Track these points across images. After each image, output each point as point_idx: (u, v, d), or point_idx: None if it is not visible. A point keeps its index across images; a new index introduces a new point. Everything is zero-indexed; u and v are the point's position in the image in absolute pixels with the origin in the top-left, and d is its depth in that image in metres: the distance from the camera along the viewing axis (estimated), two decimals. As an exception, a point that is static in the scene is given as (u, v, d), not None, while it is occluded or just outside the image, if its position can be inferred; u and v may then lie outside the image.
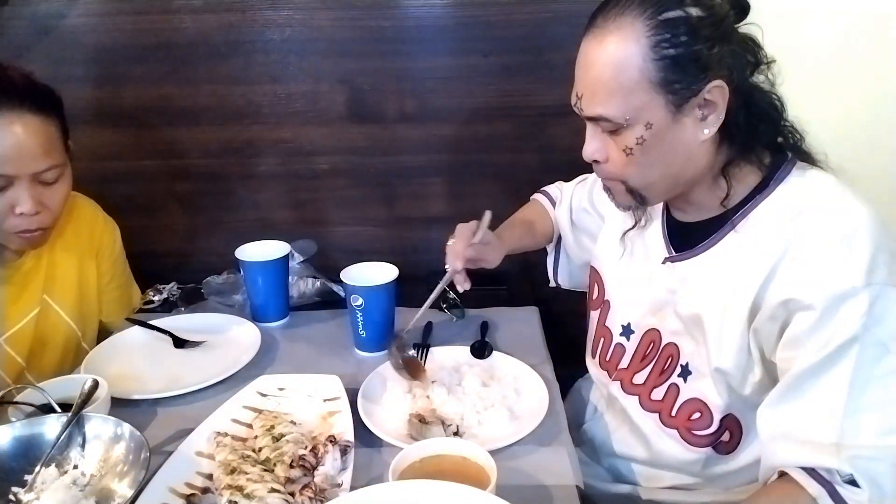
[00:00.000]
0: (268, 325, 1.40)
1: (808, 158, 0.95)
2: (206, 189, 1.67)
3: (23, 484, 0.91)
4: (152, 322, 1.36)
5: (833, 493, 0.78)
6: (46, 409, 1.01)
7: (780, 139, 0.94)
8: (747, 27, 0.91)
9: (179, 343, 1.30)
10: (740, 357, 0.93)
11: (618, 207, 1.02)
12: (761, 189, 0.93)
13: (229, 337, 1.34)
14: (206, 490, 0.92)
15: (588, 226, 1.29)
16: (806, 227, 0.86)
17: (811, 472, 0.80)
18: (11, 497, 0.90)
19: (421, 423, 1.01)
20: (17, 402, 1.02)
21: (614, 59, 0.87)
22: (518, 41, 1.52)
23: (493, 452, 0.86)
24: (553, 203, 1.37)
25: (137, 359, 1.27)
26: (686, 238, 1.01)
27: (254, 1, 1.51)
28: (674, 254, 1.03)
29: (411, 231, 1.68)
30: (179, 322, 1.37)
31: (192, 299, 1.53)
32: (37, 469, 0.92)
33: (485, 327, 1.34)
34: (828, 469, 0.80)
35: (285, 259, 1.40)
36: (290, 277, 1.46)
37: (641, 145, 0.90)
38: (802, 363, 0.83)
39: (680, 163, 0.92)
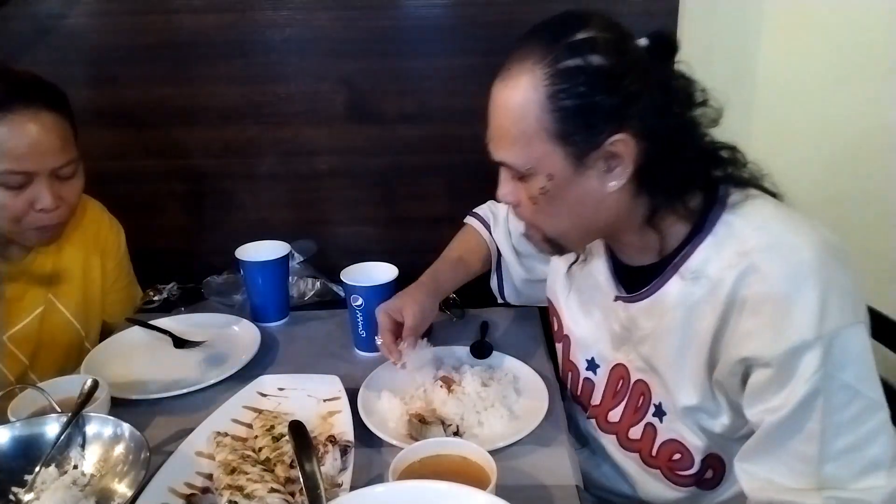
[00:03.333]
0: (268, 325, 1.40)
1: (749, 183, 0.89)
2: (206, 189, 1.67)
3: (23, 484, 0.92)
4: (152, 322, 1.36)
5: None
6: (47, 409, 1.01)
7: (710, 177, 0.89)
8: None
9: (179, 343, 1.30)
10: (705, 402, 0.91)
11: (539, 252, 1.00)
12: (695, 234, 0.88)
13: (229, 337, 1.34)
14: (206, 490, 0.92)
15: (532, 250, 1.16)
16: (751, 279, 0.81)
17: None
18: (11, 497, 0.91)
19: (421, 423, 1.01)
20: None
21: (514, 107, 0.83)
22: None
23: (493, 452, 0.86)
24: (486, 226, 1.32)
25: (137, 359, 1.27)
26: (633, 280, 0.98)
27: (254, 1, 1.51)
28: (624, 293, 1.00)
29: (411, 231, 1.68)
30: (179, 322, 1.37)
31: (192, 299, 1.53)
32: (37, 469, 0.92)
33: (485, 327, 1.34)
34: None
35: (285, 259, 1.40)
36: (290, 277, 1.46)
37: (545, 195, 0.86)
38: (771, 420, 0.80)
39: (589, 213, 0.88)
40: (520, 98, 0.83)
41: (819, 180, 1.56)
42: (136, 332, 1.35)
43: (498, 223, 1.31)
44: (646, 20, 1.48)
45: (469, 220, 1.36)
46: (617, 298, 1.01)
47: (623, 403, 1.04)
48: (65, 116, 1.15)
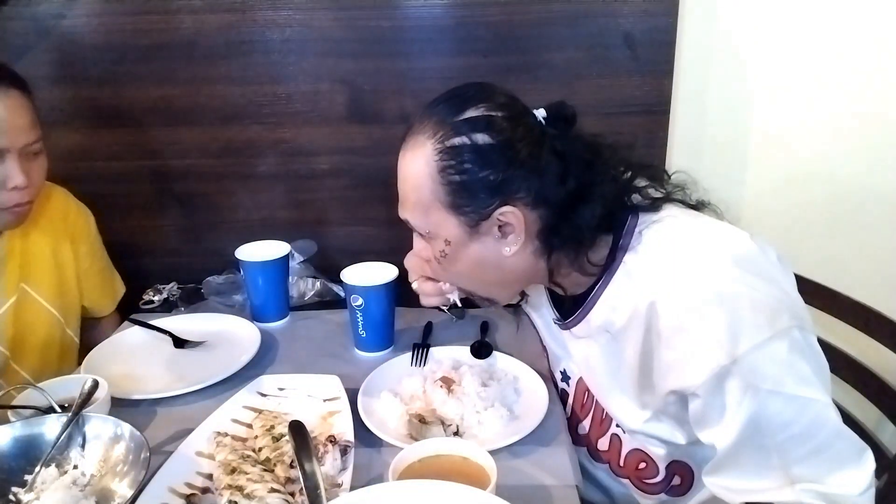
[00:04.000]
0: (268, 325, 1.40)
1: (666, 200, 0.92)
2: (206, 189, 1.67)
3: (23, 484, 0.91)
4: (152, 322, 1.36)
5: None
6: (47, 410, 1.01)
7: (625, 206, 0.91)
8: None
9: (179, 343, 1.30)
10: (651, 424, 0.91)
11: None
12: (598, 282, 0.91)
13: (229, 337, 1.34)
14: (206, 490, 0.92)
15: None
16: (658, 315, 0.82)
17: None
18: (11, 497, 0.90)
19: (421, 423, 1.01)
20: (14, 407, 1.02)
21: (411, 177, 0.89)
22: (518, 41, 1.51)
23: (493, 452, 0.86)
24: None
25: (137, 359, 1.27)
26: (566, 305, 1.00)
27: (254, 1, 1.51)
28: (558, 317, 1.03)
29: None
30: (179, 322, 1.37)
31: (192, 299, 1.54)
32: (37, 469, 0.92)
33: (485, 327, 1.34)
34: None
35: (285, 259, 1.40)
36: (290, 277, 1.46)
37: (445, 258, 0.92)
38: (724, 444, 0.80)
39: (492, 274, 0.93)
40: (416, 169, 0.88)
41: (819, 180, 1.56)
42: (135, 332, 1.35)
43: None
44: (646, 20, 1.48)
45: None
46: (555, 321, 1.05)
47: (589, 416, 1.06)
48: (29, 95, 1.19)
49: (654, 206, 0.91)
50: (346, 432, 1.00)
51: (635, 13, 1.48)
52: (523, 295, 1.12)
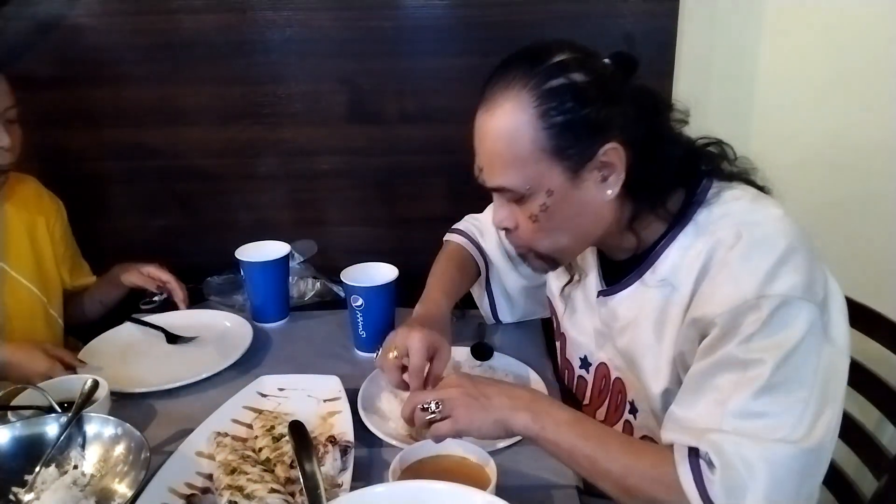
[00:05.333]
0: (268, 325, 1.40)
1: (733, 176, 0.93)
2: (206, 189, 1.67)
3: (23, 484, 0.91)
4: (145, 319, 1.38)
5: (694, 466, 0.78)
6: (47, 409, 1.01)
7: (691, 176, 0.93)
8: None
9: (172, 339, 1.33)
10: (672, 385, 0.92)
11: (534, 272, 1.04)
12: (668, 231, 0.92)
13: (221, 331, 1.37)
14: (206, 490, 0.92)
15: None
16: (714, 253, 0.86)
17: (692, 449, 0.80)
18: (11, 497, 0.90)
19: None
20: (14, 407, 1.03)
21: (505, 131, 0.87)
22: (518, 41, 1.50)
23: (493, 452, 0.86)
24: (472, 240, 1.29)
25: (132, 355, 1.30)
26: (616, 274, 1.01)
27: (254, 1, 1.51)
28: (605, 288, 1.03)
29: (411, 231, 1.68)
30: (171, 319, 1.40)
31: (192, 299, 1.53)
32: (37, 469, 0.92)
33: (484, 328, 1.33)
34: (692, 447, 0.79)
35: (285, 259, 1.40)
36: (290, 278, 1.46)
37: (546, 212, 0.90)
38: (698, 365, 0.83)
39: (588, 223, 0.93)
40: (511, 122, 0.87)
41: (819, 181, 1.56)
42: (129, 328, 1.38)
43: (486, 233, 1.29)
44: (646, 21, 1.48)
45: (449, 236, 1.32)
46: (599, 294, 1.04)
47: (606, 402, 1.06)
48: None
49: (729, 176, 0.94)
50: (346, 432, 1.00)
51: (636, 14, 1.48)
52: (569, 268, 1.10)
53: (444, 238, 1.33)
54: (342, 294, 1.42)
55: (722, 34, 1.52)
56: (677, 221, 0.92)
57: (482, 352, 1.22)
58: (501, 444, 0.98)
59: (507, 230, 0.97)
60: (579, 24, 1.49)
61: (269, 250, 1.39)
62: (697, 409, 0.82)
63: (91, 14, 1.52)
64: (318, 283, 1.52)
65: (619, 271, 1.00)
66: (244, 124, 1.60)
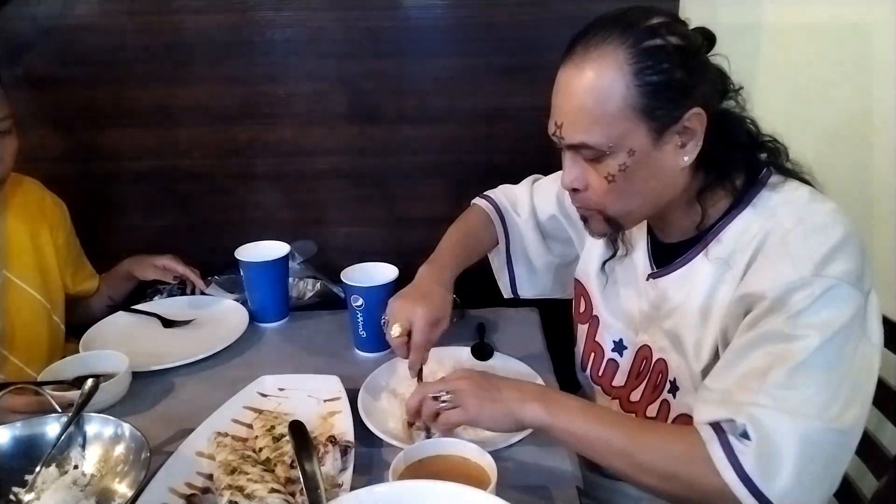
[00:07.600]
0: (267, 325, 1.40)
1: (789, 173, 0.95)
2: (206, 189, 1.67)
3: (23, 484, 0.92)
4: (139, 307, 1.45)
5: (724, 441, 0.79)
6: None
7: (755, 160, 0.95)
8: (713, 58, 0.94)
9: (168, 323, 1.37)
10: (714, 362, 0.92)
11: (592, 235, 1.04)
12: (732, 209, 0.94)
13: (216, 314, 1.43)
14: (206, 490, 0.92)
15: (560, 232, 1.26)
16: (771, 234, 0.88)
17: (715, 424, 0.81)
18: (12, 497, 0.91)
19: (417, 430, 1.01)
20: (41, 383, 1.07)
21: (597, 87, 0.87)
22: (518, 41, 1.51)
23: (493, 452, 0.86)
24: (499, 210, 1.30)
25: (131, 339, 1.34)
26: (666, 256, 1.02)
27: (254, 1, 1.51)
28: (656, 270, 1.04)
29: (411, 231, 1.68)
30: (165, 306, 1.46)
31: (192, 299, 1.53)
32: (37, 469, 0.93)
33: (482, 329, 1.33)
34: (728, 420, 0.80)
35: (285, 259, 1.40)
36: (290, 278, 1.46)
37: (624, 172, 0.90)
38: (739, 340, 0.84)
39: (660, 189, 0.93)
40: (604, 78, 0.87)
41: (820, 179, 1.56)
42: (123, 317, 1.43)
43: (521, 208, 1.29)
44: (646, 20, 1.48)
45: (479, 202, 1.33)
46: (649, 277, 1.04)
47: (644, 383, 1.06)
48: None
49: (787, 172, 0.96)
50: (347, 432, 1.00)
51: (635, 13, 1.47)
52: (615, 239, 1.10)
53: (473, 201, 1.34)
54: (342, 294, 1.42)
55: (722, 34, 1.52)
56: (739, 200, 0.94)
57: (482, 352, 1.23)
58: (501, 443, 0.98)
59: (575, 190, 0.96)
60: (579, 24, 1.48)
61: (268, 250, 1.39)
62: (735, 380, 0.83)
63: (91, 14, 1.52)
64: (317, 284, 1.52)
65: (670, 253, 1.01)
66: (244, 124, 1.60)
